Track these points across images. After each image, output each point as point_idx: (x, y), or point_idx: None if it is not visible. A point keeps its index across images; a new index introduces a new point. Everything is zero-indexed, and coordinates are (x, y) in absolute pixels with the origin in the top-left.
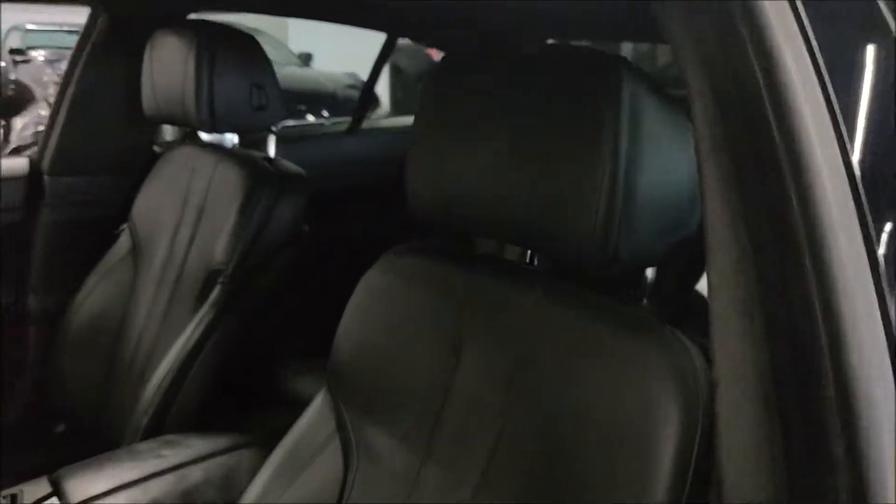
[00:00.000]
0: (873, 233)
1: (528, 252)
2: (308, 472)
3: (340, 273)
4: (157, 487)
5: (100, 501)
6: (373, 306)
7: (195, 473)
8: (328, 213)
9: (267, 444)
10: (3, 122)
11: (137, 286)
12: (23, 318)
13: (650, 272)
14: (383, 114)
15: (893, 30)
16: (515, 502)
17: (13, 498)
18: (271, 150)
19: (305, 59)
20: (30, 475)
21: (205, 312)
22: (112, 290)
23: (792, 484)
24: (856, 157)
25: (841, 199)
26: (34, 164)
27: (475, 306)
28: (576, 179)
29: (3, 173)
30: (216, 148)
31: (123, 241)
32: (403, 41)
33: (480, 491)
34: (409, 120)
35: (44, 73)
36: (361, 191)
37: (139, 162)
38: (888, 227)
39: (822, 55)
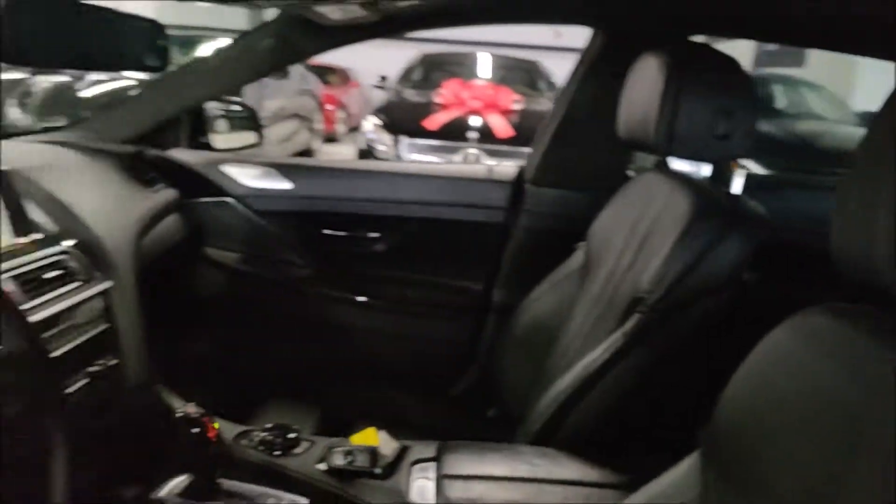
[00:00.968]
0: None
1: None
2: None
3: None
4: (513, 490)
5: (460, 481)
6: (768, 371)
7: (552, 493)
8: (778, 268)
9: (626, 489)
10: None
11: (578, 301)
12: (486, 306)
13: None
14: None
15: None
16: None
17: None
18: (736, 187)
19: (864, 118)
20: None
21: (616, 338)
22: (557, 299)
23: None
24: None
25: None
26: (520, 173)
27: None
28: None
29: (494, 177)
30: (677, 176)
31: (578, 257)
32: None
33: None
34: None
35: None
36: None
37: (612, 184)
38: None
39: None
